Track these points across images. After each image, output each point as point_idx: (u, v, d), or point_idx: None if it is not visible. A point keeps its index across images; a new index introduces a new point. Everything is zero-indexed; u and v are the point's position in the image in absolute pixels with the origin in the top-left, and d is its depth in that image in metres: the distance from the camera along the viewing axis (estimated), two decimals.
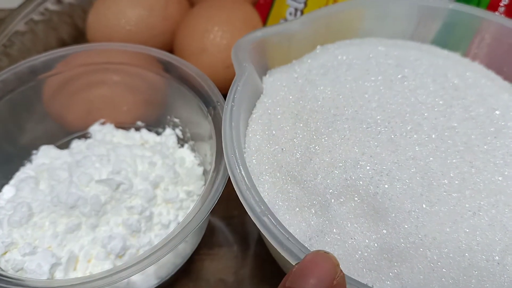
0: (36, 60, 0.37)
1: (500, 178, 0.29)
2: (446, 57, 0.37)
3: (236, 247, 0.40)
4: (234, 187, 0.27)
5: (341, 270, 0.22)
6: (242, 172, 0.27)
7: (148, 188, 0.35)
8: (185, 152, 0.39)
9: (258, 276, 0.39)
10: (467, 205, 0.28)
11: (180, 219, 0.35)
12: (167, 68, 0.36)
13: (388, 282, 0.26)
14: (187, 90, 0.36)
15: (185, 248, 0.35)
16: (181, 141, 0.40)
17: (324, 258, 0.21)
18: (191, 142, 0.39)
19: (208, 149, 0.36)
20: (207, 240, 0.40)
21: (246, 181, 0.27)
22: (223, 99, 0.34)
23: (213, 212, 0.42)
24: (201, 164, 0.38)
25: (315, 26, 0.37)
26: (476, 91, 0.34)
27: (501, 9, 0.41)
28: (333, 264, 0.21)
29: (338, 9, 0.37)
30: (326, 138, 0.30)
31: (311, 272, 0.21)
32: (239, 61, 0.33)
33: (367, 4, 0.37)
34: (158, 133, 0.41)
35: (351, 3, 0.37)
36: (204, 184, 0.37)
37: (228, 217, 0.42)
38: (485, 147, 0.30)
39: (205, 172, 0.38)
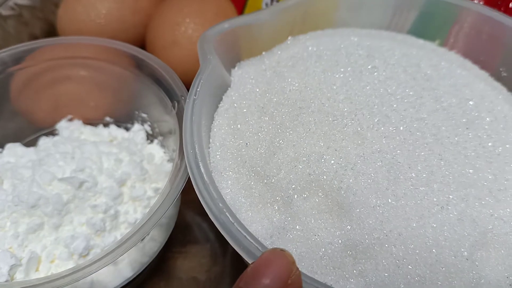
0: (3, 53, 0.36)
1: (471, 171, 0.28)
2: (421, 47, 0.36)
3: (210, 244, 0.39)
4: (193, 183, 0.26)
5: (297, 268, 0.21)
6: (201, 169, 0.27)
7: (113, 186, 0.34)
8: (154, 148, 0.38)
9: (232, 275, 0.38)
10: (435, 199, 0.27)
11: None
12: (133, 62, 0.35)
13: (352, 280, 0.25)
14: (152, 84, 0.35)
15: (152, 246, 0.34)
16: (151, 137, 0.39)
17: (279, 256, 0.21)
18: (160, 138, 0.38)
19: (175, 144, 0.35)
20: (180, 238, 0.39)
21: (205, 177, 0.26)
22: (187, 93, 0.32)
23: (189, 207, 0.42)
24: (170, 160, 0.37)
25: (286, 17, 0.36)
26: (450, 82, 0.33)
27: None
28: (288, 262, 0.20)
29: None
30: (291, 132, 0.29)
31: (265, 272, 0.20)
32: (204, 54, 0.32)
33: None
34: (127, 129, 0.40)
35: None
36: None
37: (204, 213, 0.41)
38: (456, 138, 0.29)
39: (174, 167, 0.37)
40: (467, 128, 0.30)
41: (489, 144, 0.30)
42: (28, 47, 0.37)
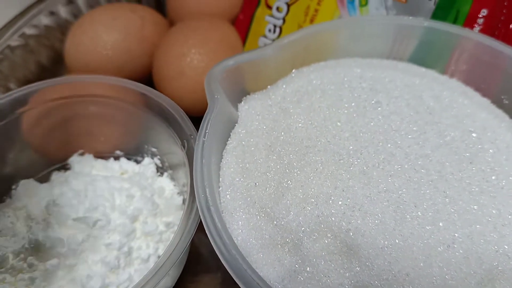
0: (14, 94, 0.37)
1: (475, 207, 0.29)
2: (422, 76, 0.37)
3: (221, 273, 0.40)
4: (205, 228, 0.27)
5: None
6: (213, 214, 0.27)
7: (126, 223, 0.35)
8: (165, 181, 0.39)
9: None
10: (441, 238, 0.27)
11: (160, 252, 0.35)
12: (142, 99, 0.36)
13: None
14: (161, 122, 0.36)
15: (166, 281, 0.35)
16: (161, 169, 0.40)
17: None
18: (170, 171, 0.39)
19: (186, 178, 0.36)
20: (192, 267, 0.40)
21: (217, 222, 0.27)
22: (196, 131, 0.33)
23: (199, 236, 0.42)
24: (180, 193, 0.38)
25: (290, 50, 0.36)
26: (452, 113, 0.33)
27: (480, 20, 0.41)
28: None
29: (311, 32, 0.36)
30: (298, 172, 0.30)
31: None
32: (211, 93, 0.33)
33: (340, 26, 0.37)
34: (138, 161, 0.41)
35: (325, 25, 0.36)
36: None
37: None
38: (460, 174, 0.30)
39: (184, 201, 0.37)
40: (470, 163, 0.31)
41: (493, 177, 0.30)
42: (37, 88, 0.37)
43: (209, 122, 0.31)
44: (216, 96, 0.33)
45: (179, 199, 0.38)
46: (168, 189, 0.38)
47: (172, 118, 0.34)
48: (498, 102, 0.36)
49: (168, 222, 0.36)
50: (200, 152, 0.30)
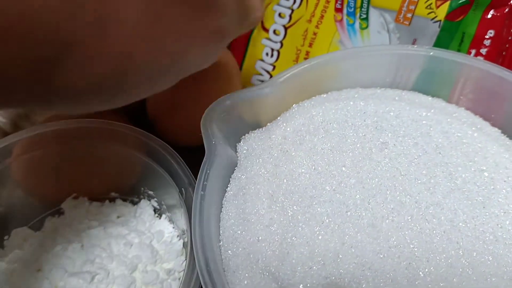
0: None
1: (490, 258, 0.27)
2: (429, 106, 0.35)
3: None
4: None
5: None
6: (214, 280, 0.26)
7: (125, 274, 0.33)
8: (163, 224, 0.37)
9: None
10: None
11: None
12: (137, 144, 0.35)
13: None
14: (158, 168, 0.34)
15: None
16: (159, 211, 0.38)
17: None
18: (168, 214, 0.37)
19: (185, 220, 0.34)
20: None
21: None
22: (194, 180, 0.32)
23: None
24: (180, 236, 0.37)
25: (288, 86, 0.35)
26: (462, 150, 0.32)
27: (487, 42, 0.39)
28: None
29: (309, 68, 0.34)
30: (303, 226, 0.29)
31: None
32: (208, 137, 0.31)
33: (340, 59, 0.35)
34: (134, 202, 0.39)
35: (323, 59, 0.35)
36: (185, 259, 0.35)
37: None
38: (473, 221, 0.28)
39: (185, 245, 0.36)
40: (483, 208, 0.29)
41: (507, 222, 0.29)
42: (26, 135, 0.35)
43: (207, 173, 0.30)
44: (213, 142, 0.31)
45: (179, 243, 0.36)
46: (167, 232, 0.37)
47: (169, 164, 0.33)
48: (508, 133, 0.34)
49: (169, 269, 0.35)
50: (199, 208, 0.28)
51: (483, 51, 0.40)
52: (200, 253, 0.27)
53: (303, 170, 0.31)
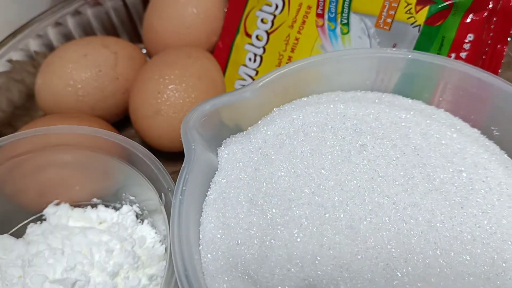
0: None
1: (468, 258, 0.27)
2: (409, 108, 0.35)
3: None
4: None
5: None
6: (193, 284, 0.26)
7: (106, 281, 0.33)
8: (145, 230, 0.37)
9: None
10: None
11: None
12: (117, 150, 0.34)
13: None
14: (138, 173, 0.34)
15: None
16: (141, 217, 0.38)
17: None
18: (150, 219, 0.37)
19: (166, 226, 0.34)
20: None
21: None
22: (174, 183, 0.32)
23: None
24: (162, 241, 0.36)
25: (269, 90, 0.35)
26: (440, 151, 0.32)
27: (467, 45, 0.39)
28: None
29: (290, 71, 0.35)
30: (282, 229, 0.29)
31: None
32: (187, 142, 0.32)
33: (320, 63, 0.35)
34: (116, 208, 0.39)
35: (303, 64, 0.35)
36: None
37: None
38: (451, 221, 0.29)
39: (167, 250, 0.36)
40: (461, 208, 0.29)
41: (485, 222, 0.29)
42: (7, 141, 0.35)
43: (186, 178, 0.30)
44: (193, 147, 0.31)
45: (161, 248, 0.36)
46: (149, 237, 0.37)
47: (149, 170, 0.33)
48: (488, 133, 0.34)
49: (151, 275, 0.35)
50: (177, 213, 0.28)
51: (463, 55, 0.40)
52: (178, 257, 0.27)
53: (282, 173, 0.31)
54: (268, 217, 0.29)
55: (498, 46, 0.39)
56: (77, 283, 0.32)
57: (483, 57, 0.40)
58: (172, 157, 0.42)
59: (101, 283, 0.33)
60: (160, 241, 0.37)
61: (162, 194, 0.32)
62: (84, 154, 0.36)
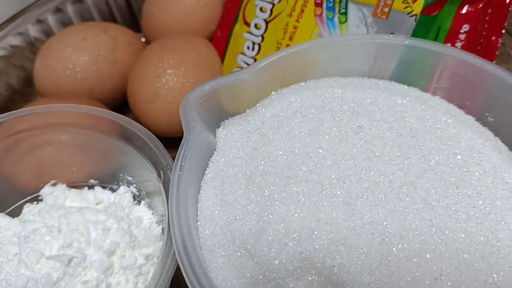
0: None
1: (462, 235, 0.28)
2: (405, 94, 0.36)
3: None
4: (184, 275, 0.26)
5: None
6: (192, 260, 0.26)
7: (102, 258, 0.33)
8: (142, 210, 0.37)
9: None
10: (428, 271, 0.26)
11: (140, 286, 0.34)
12: (116, 128, 0.35)
13: None
14: (136, 151, 0.34)
15: None
16: (138, 198, 0.38)
17: None
18: (147, 200, 0.37)
19: (164, 206, 0.34)
20: None
21: (195, 264, 0.26)
22: (172, 161, 0.32)
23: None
24: (159, 222, 0.37)
25: (267, 73, 0.35)
26: (436, 134, 0.33)
27: (462, 36, 0.40)
28: None
29: (288, 54, 0.35)
30: (279, 205, 0.29)
31: None
32: (187, 121, 0.32)
33: (319, 47, 0.36)
34: (113, 190, 0.39)
35: (302, 48, 0.35)
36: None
37: None
38: (446, 200, 0.29)
39: (163, 231, 0.36)
40: (456, 188, 0.30)
41: (479, 202, 0.29)
42: (4, 119, 0.35)
43: (185, 154, 0.30)
44: (192, 125, 0.32)
45: (158, 229, 0.36)
46: (146, 218, 0.37)
47: (148, 148, 0.33)
48: (482, 120, 0.35)
49: (147, 254, 0.35)
50: (176, 188, 0.29)
51: (458, 45, 0.41)
52: (176, 231, 0.27)
53: (280, 152, 0.32)
54: (266, 193, 0.30)
55: (493, 37, 0.40)
56: (74, 259, 0.32)
57: (478, 48, 0.40)
58: (170, 142, 0.42)
59: (97, 260, 0.33)
60: (157, 222, 0.37)
61: (161, 171, 0.32)
62: (83, 134, 0.36)
